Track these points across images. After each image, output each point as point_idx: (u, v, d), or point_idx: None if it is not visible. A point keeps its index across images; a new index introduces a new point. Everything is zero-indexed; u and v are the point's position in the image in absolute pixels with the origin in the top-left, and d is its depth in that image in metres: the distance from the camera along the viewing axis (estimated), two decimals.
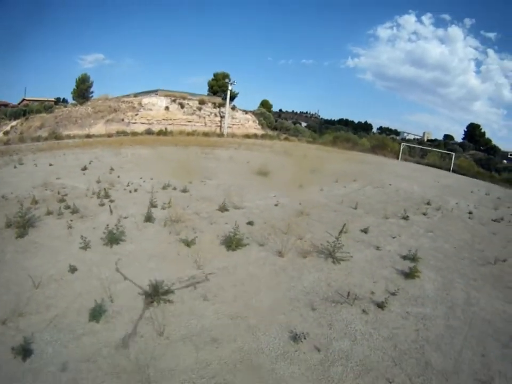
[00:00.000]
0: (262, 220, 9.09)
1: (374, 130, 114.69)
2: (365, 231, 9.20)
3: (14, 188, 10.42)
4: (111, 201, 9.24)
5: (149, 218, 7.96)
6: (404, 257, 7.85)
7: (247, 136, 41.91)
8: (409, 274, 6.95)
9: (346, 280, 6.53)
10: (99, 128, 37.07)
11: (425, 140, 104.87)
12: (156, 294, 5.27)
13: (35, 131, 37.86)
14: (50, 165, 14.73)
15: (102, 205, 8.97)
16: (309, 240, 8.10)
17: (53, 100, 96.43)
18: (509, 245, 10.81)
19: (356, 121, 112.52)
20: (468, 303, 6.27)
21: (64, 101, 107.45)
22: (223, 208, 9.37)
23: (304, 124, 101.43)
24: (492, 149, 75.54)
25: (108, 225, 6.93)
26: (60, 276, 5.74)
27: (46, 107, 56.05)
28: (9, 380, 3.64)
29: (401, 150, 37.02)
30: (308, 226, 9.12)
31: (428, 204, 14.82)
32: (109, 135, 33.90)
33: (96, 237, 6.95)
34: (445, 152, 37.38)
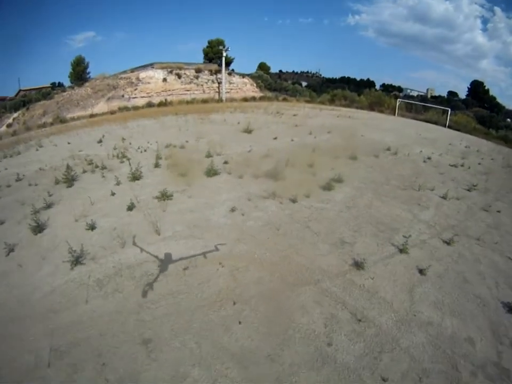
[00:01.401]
0: (235, 161, 12.22)
1: (377, 87, 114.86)
2: (310, 165, 11.88)
3: (46, 163, 13.27)
4: (128, 159, 12.09)
5: (157, 165, 11.29)
6: (332, 180, 10.77)
7: (245, 99, 44.14)
8: (328, 188, 10.17)
9: (278, 188, 9.76)
10: (101, 107, 39.50)
11: (429, 96, 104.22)
12: (163, 196, 8.92)
13: (39, 119, 40.38)
14: (69, 143, 17.39)
15: (122, 162, 12.00)
16: (264, 170, 11.10)
17: (49, 86, 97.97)
18: (448, 181, 12.99)
19: (358, 79, 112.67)
20: (368, 206, 9.45)
21: (60, 85, 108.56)
22: (208, 155, 12.52)
23: (304, 84, 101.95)
24: (495, 107, 75.55)
25: (131, 169, 10.32)
26: (105, 198, 9.15)
27: (45, 94, 58.15)
28: None
29: (397, 106, 38.44)
30: (267, 162, 11.94)
31: (388, 149, 16.54)
32: (112, 112, 36.45)
33: (124, 178, 10.24)
34: (442, 108, 38.30)
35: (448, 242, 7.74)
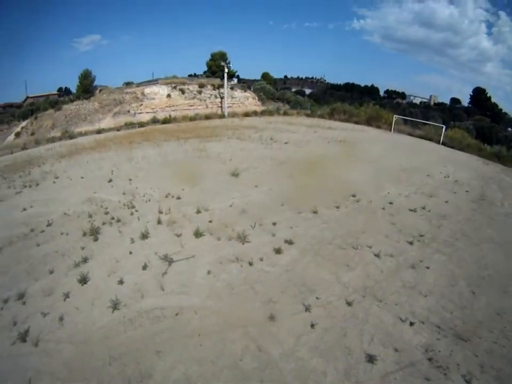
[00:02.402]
0: (218, 218, 14.84)
1: (381, 93, 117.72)
2: (274, 223, 14.47)
3: (67, 205, 16.24)
4: (136, 210, 15.18)
5: (159, 222, 14.02)
6: (285, 241, 13.08)
7: (247, 114, 47.33)
8: (278, 251, 12.43)
9: (242, 252, 12.38)
10: (108, 122, 42.86)
11: (432, 103, 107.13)
12: (166, 258, 11.55)
13: (47, 131, 43.65)
14: (82, 177, 20.41)
15: (131, 214, 14.86)
16: (237, 231, 13.62)
17: (56, 92, 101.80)
18: (394, 233, 14.38)
19: (362, 85, 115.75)
20: (302, 269, 11.55)
21: (67, 90, 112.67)
22: (198, 211, 15.20)
23: (308, 91, 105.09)
24: (497, 115, 77.65)
25: (141, 230, 13.23)
26: (125, 256, 11.96)
27: (52, 102, 61.70)
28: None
29: (394, 122, 40.65)
30: (241, 221, 14.62)
31: (353, 196, 18.06)
32: (118, 129, 39.53)
33: (136, 235, 13.03)
34: (436, 125, 40.17)
35: (349, 304, 9.83)
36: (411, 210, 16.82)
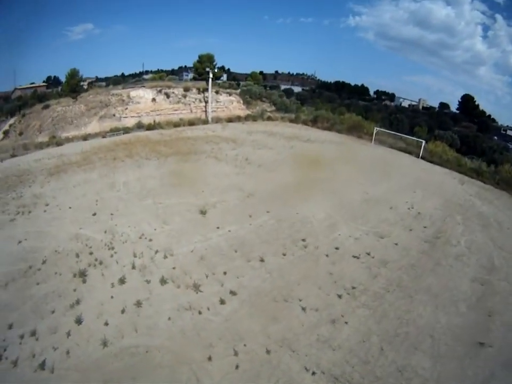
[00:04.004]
0: (180, 265, 17.75)
1: (371, 93, 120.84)
2: (225, 273, 17.20)
3: (57, 240, 19.53)
4: (115, 252, 18.48)
5: (133, 266, 17.42)
6: (227, 293, 15.73)
7: (230, 120, 50.80)
8: (221, 302, 15.31)
9: (195, 300, 15.76)
10: (93, 126, 46.01)
11: (421, 107, 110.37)
12: (137, 303, 15.28)
13: (35, 133, 47.01)
14: (70, 207, 23.60)
15: (111, 256, 18.16)
16: (195, 278, 16.81)
17: (44, 83, 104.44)
18: (328, 284, 16.29)
19: (353, 84, 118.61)
20: (237, 322, 14.16)
21: (56, 79, 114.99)
22: (165, 256, 18.42)
23: (297, 89, 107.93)
24: (484, 123, 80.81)
25: (119, 276, 16.82)
26: (108, 300, 15.34)
27: (40, 96, 64.72)
28: None
29: (374, 134, 44.17)
30: (199, 270, 17.72)
31: (303, 240, 19.92)
32: (104, 135, 42.96)
33: (115, 280, 16.49)
34: (415, 140, 43.22)
35: (268, 352, 12.71)
36: (354, 256, 18.59)
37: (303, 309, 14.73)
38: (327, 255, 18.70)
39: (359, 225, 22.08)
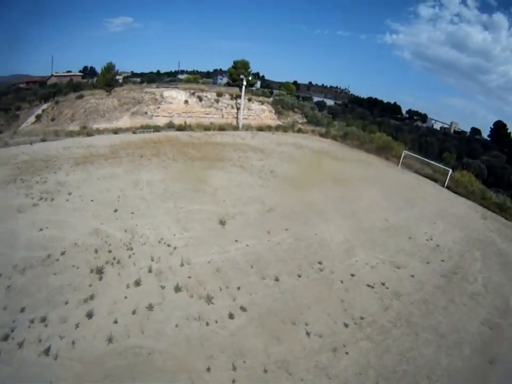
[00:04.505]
0: (195, 275, 18.53)
1: (403, 111, 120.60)
2: (238, 288, 17.41)
3: (77, 233, 20.03)
4: (133, 253, 18.79)
5: (150, 270, 17.70)
6: (240, 307, 15.98)
7: (260, 128, 50.84)
8: (231, 316, 15.51)
9: (205, 311, 16.13)
10: (125, 121, 46.62)
11: (452, 131, 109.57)
12: (150, 306, 15.56)
13: (66, 121, 48.06)
14: (92, 200, 24.07)
15: (129, 257, 18.50)
16: (209, 289, 17.33)
17: (80, 73, 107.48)
18: (338, 311, 16.30)
19: (385, 101, 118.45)
20: (244, 338, 14.42)
21: (92, 70, 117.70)
22: (182, 264, 18.59)
23: (330, 103, 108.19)
24: None
25: (135, 278, 17.15)
26: (121, 300, 15.74)
27: (74, 86, 66.27)
28: None
29: (402, 157, 43.78)
30: (213, 281, 18.10)
31: (320, 263, 19.75)
32: (134, 131, 43.34)
33: (131, 282, 16.85)
34: (443, 168, 42.43)
35: (266, 371, 12.92)
36: (369, 285, 18.43)
37: (308, 333, 14.86)
38: (341, 281, 18.66)
39: (376, 253, 21.88)
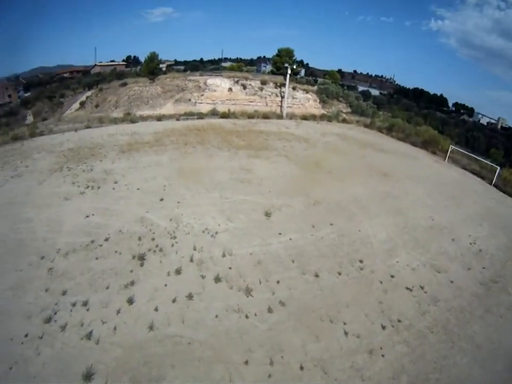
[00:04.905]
0: (236, 267, 18.51)
1: (449, 104, 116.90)
2: (277, 281, 18.10)
3: (122, 220, 20.49)
4: (176, 242, 18.97)
5: (191, 259, 17.81)
6: (277, 302, 15.83)
7: (305, 117, 50.13)
8: (269, 311, 15.95)
9: (245, 303, 16.19)
10: (168, 108, 47.34)
11: (499, 126, 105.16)
12: (189, 296, 15.61)
13: (110, 108, 49.08)
14: (138, 189, 24.42)
15: (172, 245, 18.69)
16: (249, 282, 17.38)
17: (123, 63, 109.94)
18: (375, 312, 15.93)
19: (431, 93, 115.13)
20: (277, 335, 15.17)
21: (135, 59, 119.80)
22: (224, 255, 18.62)
23: (375, 92, 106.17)
24: None
25: (177, 266, 17.32)
26: (162, 288, 15.98)
27: (118, 75, 67.53)
28: None
29: (448, 152, 42.43)
30: (254, 273, 18.53)
31: (361, 261, 19.29)
32: (177, 118, 43.71)
33: (172, 269, 17.06)
34: (490, 165, 40.65)
35: (301, 368, 12.96)
36: (407, 288, 17.96)
37: (346, 333, 14.69)
38: (381, 282, 18.24)
39: (418, 254, 21.16)
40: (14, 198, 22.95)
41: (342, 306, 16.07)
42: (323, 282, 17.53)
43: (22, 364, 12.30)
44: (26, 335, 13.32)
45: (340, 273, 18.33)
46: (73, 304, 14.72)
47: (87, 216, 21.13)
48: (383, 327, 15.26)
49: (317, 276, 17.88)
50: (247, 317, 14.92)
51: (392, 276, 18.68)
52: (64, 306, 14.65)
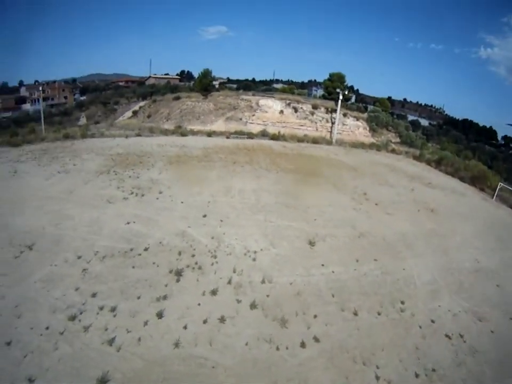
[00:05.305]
0: (274, 297, 17.66)
1: (499, 137, 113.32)
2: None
3: (163, 232, 20.24)
4: (216, 262, 18.35)
5: (230, 282, 17.09)
6: (310, 337, 14.85)
7: (354, 145, 49.47)
8: (302, 345, 15.05)
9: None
10: (219, 125, 47.71)
11: None
12: (221, 320, 14.79)
13: (162, 120, 49.77)
14: (182, 202, 24.18)
15: (212, 264, 18.12)
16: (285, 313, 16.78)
17: (177, 77, 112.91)
18: (410, 358, 14.72)
19: (481, 125, 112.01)
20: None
21: (189, 74, 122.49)
22: (263, 281, 17.69)
23: (424, 123, 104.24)
24: None
25: (213, 287, 16.64)
26: (195, 306, 15.34)
27: (172, 88, 69.04)
28: None
29: (497, 189, 40.37)
30: (289, 307, 17.79)
31: (402, 303, 18.01)
32: (227, 136, 43.90)
33: (208, 290, 16.41)
34: None
35: None
36: (446, 336, 16.66)
37: (377, 377, 13.63)
38: (420, 327, 16.91)
39: (461, 299, 19.68)
40: (58, 193, 23.47)
41: (377, 349, 15.08)
42: (361, 322, 16.49)
43: (37, 354, 12.29)
44: (47, 328, 13.34)
45: (379, 314, 17.25)
46: (101, 308, 14.56)
47: (128, 223, 21.06)
48: (417, 375, 14.15)
49: (355, 314, 16.84)
50: (278, 348, 14.11)
51: (432, 321, 17.42)
52: (91, 308, 14.55)
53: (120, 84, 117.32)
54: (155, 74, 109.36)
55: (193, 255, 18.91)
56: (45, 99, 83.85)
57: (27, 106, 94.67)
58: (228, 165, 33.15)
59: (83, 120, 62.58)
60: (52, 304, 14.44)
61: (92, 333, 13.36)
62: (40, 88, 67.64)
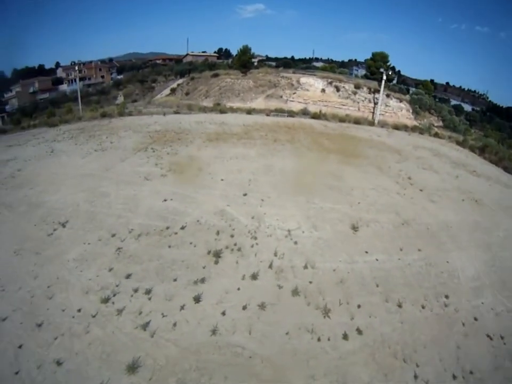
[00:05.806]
0: (317, 282, 16.28)
1: None
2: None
3: (202, 211, 19.43)
4: (257, 243, 17.36)
5: (271, 266, 16.06)
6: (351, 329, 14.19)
7: (396, 127, 47.59)
8: (345, 337, 14.24)
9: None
10: (259, 103, 46.69)
11: None
12: (262, 305, 13.90)
13: (200, 97, 49.02)
14: (222, 179, 23.24)
15: (252, 246, 17.15)
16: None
17: (215, 54, 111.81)
18: (446, 358, 13.95)
19: None
20: None
21: (227, 51, 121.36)
22: (305, 267, 16.73)
23: (467, 108, 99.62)
24: None
25: (254, 270, 15.69)
26: (234, 291, 14.61)
27: (210, 65, 68.17)
28: None
29: None
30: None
31: (446, 296, 16.95)
32: (267, 113, 42.76)
33: (248, 273, 15.52)
34: None
35: None
36: (488, 336, 15.71)
37: (415, 376, 12.91)
38: (463, 324, 15.93)
39: (504, 297, 18.43)
40: (94, 171, 23.07)
41: (419, 346, 14.29)
42: (405, 315, 15.64)
43: (67, 337, 11.95)
44: (79, 310, 12.96)
45: (423, 307, 16.30)
46: (135, 290, 14.01)
47: (165, 200, 20.43)
48: (454, 377, 13.38)
49: (399, 306, 15.95)
50: (319, 339, 13.38)
51: (475, 319, 16.39)
52: (125, 290, 14.03)
53: (158, 62, 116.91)
54: (192, 52, 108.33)
55: (232, 236, 18.00)
56: (81, 79, 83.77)
57: (64, 87, 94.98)
58: (269, 143, 32.00)
59: (120, 99, 62.46)
60: (84, 285, 14.03)
61: (125, 317, 12.86)
62: (77, 68, 67.83)
